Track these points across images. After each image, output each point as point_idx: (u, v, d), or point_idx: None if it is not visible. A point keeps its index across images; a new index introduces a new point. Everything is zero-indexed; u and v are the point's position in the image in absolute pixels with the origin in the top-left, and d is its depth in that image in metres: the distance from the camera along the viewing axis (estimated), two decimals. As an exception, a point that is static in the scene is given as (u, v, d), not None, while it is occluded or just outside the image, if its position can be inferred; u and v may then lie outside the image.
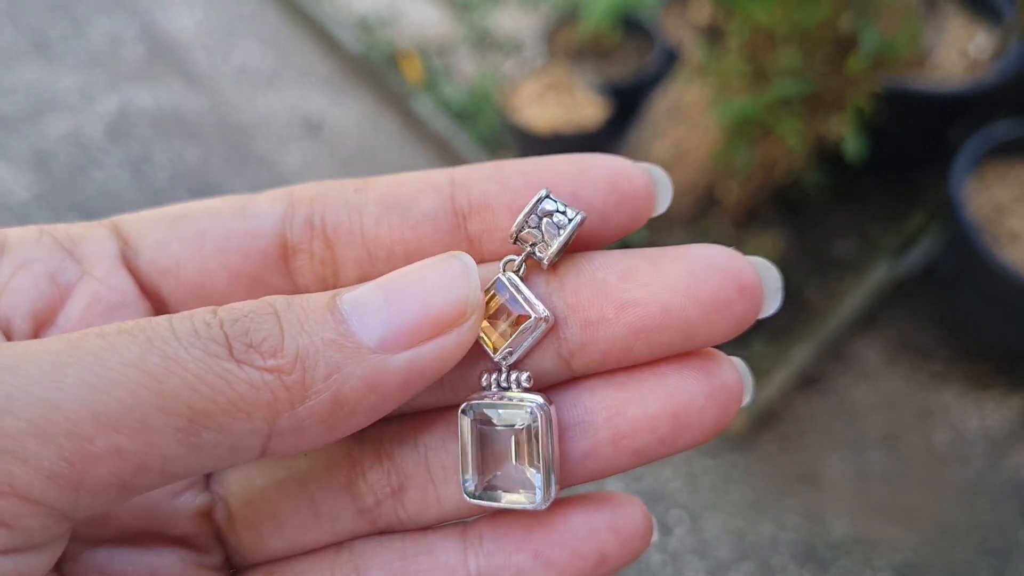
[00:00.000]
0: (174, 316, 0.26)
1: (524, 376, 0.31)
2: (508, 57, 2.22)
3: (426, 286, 0.28)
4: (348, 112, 2.13)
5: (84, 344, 0.24)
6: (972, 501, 1.45)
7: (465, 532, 0.31)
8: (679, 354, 0.30)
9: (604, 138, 1.79)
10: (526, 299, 0.30)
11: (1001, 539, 1.40)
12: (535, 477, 0.30)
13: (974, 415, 1.54)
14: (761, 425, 1.54)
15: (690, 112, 1.58)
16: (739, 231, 1.65)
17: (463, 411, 0.31)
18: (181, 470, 0.25)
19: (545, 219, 0.30)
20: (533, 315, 0.30)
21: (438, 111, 2.01)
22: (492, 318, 0.31)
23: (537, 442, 0.30)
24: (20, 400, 0.23)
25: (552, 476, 0.30)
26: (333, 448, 0.33)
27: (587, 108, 1.79)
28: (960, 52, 1.73)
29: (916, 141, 1.76)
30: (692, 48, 1.59)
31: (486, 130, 1.98)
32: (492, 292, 0.31)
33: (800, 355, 1.58)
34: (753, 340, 1.61)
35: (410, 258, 0.31)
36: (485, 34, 2.27)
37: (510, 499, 0.30)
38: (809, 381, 1.59)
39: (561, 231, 0.30)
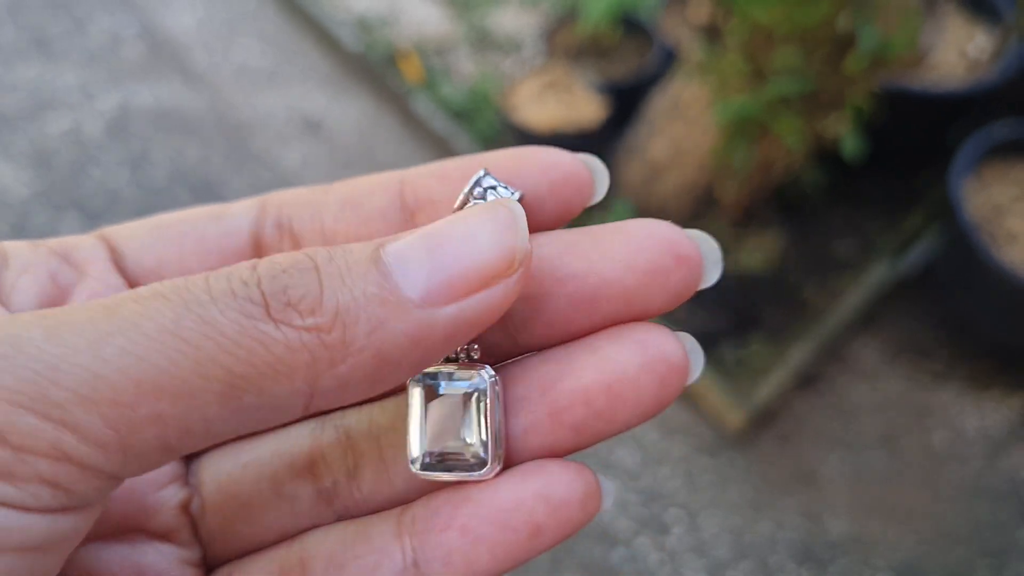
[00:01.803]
0: (211, 274, 0.26)
1: (473, 347, 0.31)
2: (507, 56, 2.22)
3: (472, 236, 0.27)
4: (348, 111, 2.13)
5: (121, 311, 0.24)
6: (971, 501, 1.45)
7: (401, 515, 0.31)
8: (617, 326, 0.30)
9: (603, 137, 1.79)
10: None
11: (999, 539, 1.40)
12: (480, 447, 0.30)
13: (973, 415, 1.54)
14: (759, 424, 1.54)
15: (689, 111, 1.59)
16: (738, 230, 1.65)
17: (412, 382, 0.31)
18: (225, 431, 0.25)
19: (489, 191, 0.31)
20: None
21: (437, 110, 2.01)
22: None
23: (483, 410, 0.30)
24: (64, 371, 0.23)
25: (497, 445, 0.30)
26: (297, 428, 0.34)
27: (586, 107, 1.79)
28: (959, 52, 1.73)
29: (915, 141, 1.76)
30: (691, 47, 1.59)
31: (485, 129, 1.98)
32: None
33: (799, 355, 1.58)
34: (751, 339, 1.61)
35: None
36: (484, 33, 2.27)
37: (458, 472, 0.30)
38: (808, 381, 1.59)
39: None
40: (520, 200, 0.31)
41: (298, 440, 0.33)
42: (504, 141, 1.95)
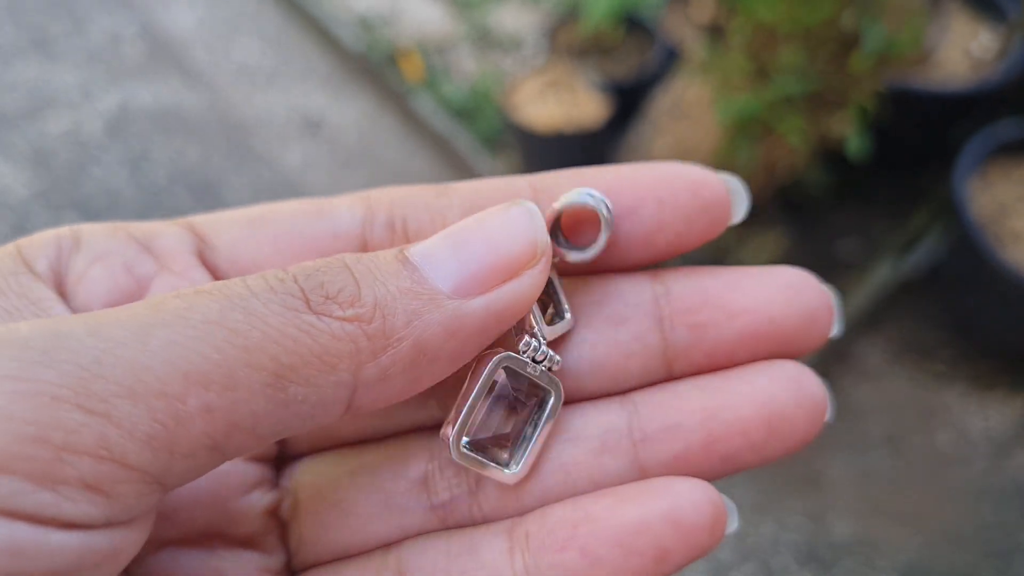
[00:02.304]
0: (247, 276, 0.26)
1: (556, 360, 0.31)
2: (509, 55, 2.21)
3: (492, 232, 0.28)
4: (348, 110, 2.13)
5: (165, 306, 0.24)
6: (975, 502, 1.44)
7: (513, 529, 0.30)
8: (766, 361, 0.31)
9: (605, 136, 1.78)
10: (564, 303, 0.32)
11: (1004, 541, 1.40)
12: (519, 449, 0.30)
13: (977, 416, 1.53)
14: (763, 425, 1.53)
15: (692, 110, 1.58)
16: (741, 230, 1.64)
17: (496, 362, 0.31)
18: (270, 430, 0.25)
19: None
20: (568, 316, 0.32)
21: (438, 109, 2.01)
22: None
23: (538, 418, 0.30)
24: (108, 363, 0.22)
25: (529, 453, 0.30)
26: (410, 439, 0.33)
27: (588, 106, 1.78)
28: (963, 51, 1.73)
29: (919, 140, 1.75)
30: (694, 46, 1.58)
31: (487, 128, 1.98)
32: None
33: (802, 355, 1.57)
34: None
35: None
36: (485, 32, 2.26)
37: (490, 468, 0.30)
38: (811, 381, 1.58)
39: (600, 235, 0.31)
40: (611, 219, 0.31)
41: (411, 449, 0.32)
42: (505, 141, 1.95)
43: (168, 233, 0.32)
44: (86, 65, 2.18)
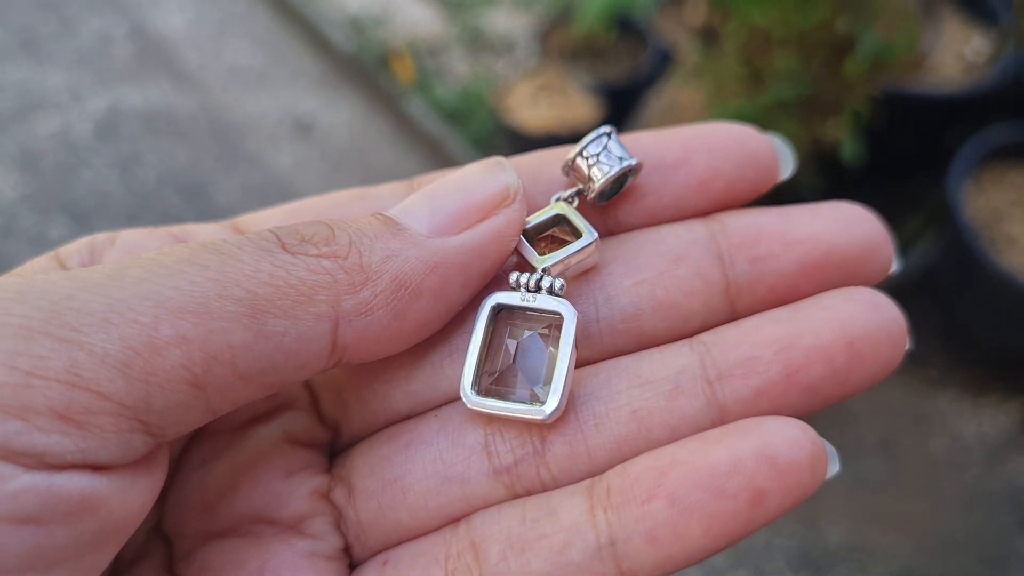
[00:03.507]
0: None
1: (559, 284, 0.30)
2: (501, 57, 2.21)
3: (464, 183, 0.30)
4: (339, 112, 2.11)
5: (139, 258, 0.25)
6: (969, 508, 1.44)
7: (592, 487, 0.28)
8: (842, 288, 0.30)
9: (598, 140, 1.77)
10: (582, 224, 0.32)
11: (998, 547, 1.39)
12: (549, 386, 0.29)
13: (971, 421, 1.53)
14: (756, 431, 1.53)
15: (685, 114, 1.57)
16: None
17: (494, 307, 0.30)
18: (253, 366, 0.25)
19: (603, 152, 0.31)
20: (588, 235, 0.31)
21: (430, 112, 2.00)
22: (542, 243, 0.32)
23: (560, 349, 0.29)
24: (80, 298, 0.22)
25: (566, 388, 0.28)
26: (463, 406, 0.31)
27: (580, 109, 1.78)
28: (957, 55, 1.72)
29: (913, 145, 1.75)
30: (687, 50, 1.58)
31: (479, 131, 1.97)
32: (548, 225, 0.32)
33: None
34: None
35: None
36: (478, 34, 2.25)
37: (512, 407, 0.29)
38: (804, 386, 1.58)
39: (612, 168, 0.31)
40: (637, 168, 0.32)
41: (471, 415, 0.31)
42: (497, 143, 1.94)
43: (208, 230, 0.32)
44: (75, 67, 2.16)
